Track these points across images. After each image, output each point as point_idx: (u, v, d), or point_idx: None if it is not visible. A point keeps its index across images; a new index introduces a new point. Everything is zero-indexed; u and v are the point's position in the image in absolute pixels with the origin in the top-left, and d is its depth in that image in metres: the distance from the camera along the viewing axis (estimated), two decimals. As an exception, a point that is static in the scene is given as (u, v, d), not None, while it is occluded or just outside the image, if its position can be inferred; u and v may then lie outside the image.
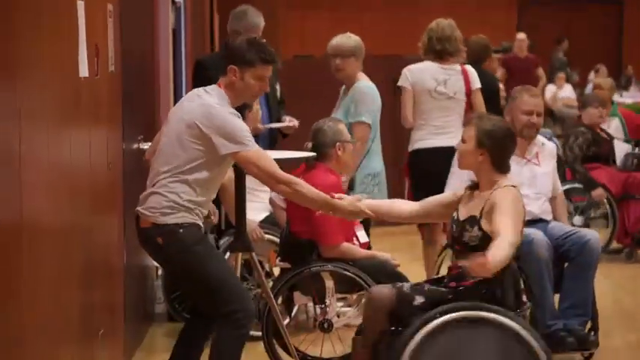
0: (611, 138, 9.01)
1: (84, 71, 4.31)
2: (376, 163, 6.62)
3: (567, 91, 16.79)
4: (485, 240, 4.37)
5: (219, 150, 4.48)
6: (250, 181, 5.27)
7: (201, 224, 4.61)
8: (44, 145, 3.72)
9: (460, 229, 4.50)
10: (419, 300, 4.45)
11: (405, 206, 4.88)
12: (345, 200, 4.66)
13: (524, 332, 4.31)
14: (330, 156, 5.57)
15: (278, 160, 4.63)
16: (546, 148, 5.98)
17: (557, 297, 5.70)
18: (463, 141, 4.62)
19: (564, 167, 8.62)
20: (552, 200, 5.95)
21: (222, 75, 4.66)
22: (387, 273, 5.35)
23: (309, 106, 7.88)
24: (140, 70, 6.35)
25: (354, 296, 5.91)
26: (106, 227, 5.12)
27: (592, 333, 5.72)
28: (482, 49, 8.34)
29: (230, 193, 5.32)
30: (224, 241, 6.30)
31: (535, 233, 5.53)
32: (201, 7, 10.59)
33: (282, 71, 7.10)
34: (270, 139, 6.84)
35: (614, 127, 9.57)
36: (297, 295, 5.56)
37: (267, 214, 6.51)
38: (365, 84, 6.62)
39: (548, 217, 5.86)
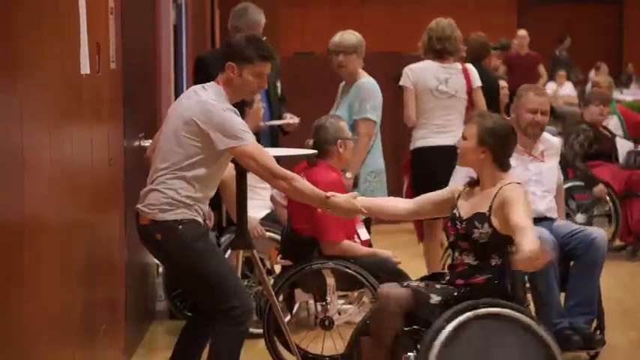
0: (613, 135, 9.00)
1: (85, 68, 4.31)
2: (378, 160, 6.62)
3: (568, 89, 16.77)
4: (496, 236, 4.38)
5: (217, 145, 4.48)
6: (251, 179, 5.26)
7: (200, 220, 4.59)
8: (45, 142, 3.72)
9: (467, 226, 4.49)
10: (435, 299, 4.45)
11: (400, 204, 4.89)
12: (341, 197, 4.66)
13: (539, 329, 4.36)
14: (332, 153, 5.57)
15: (279, 158, 4.62)
16: (552, 144, 5.98)
17: (562, 295, 5.69)
18: (464, 138, 4.61)
19: (565, 165, 8.60)
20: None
21: (220, 72, 4.67)
22: (388, 270, 5.35)
23: (310, 103, 7.86)
24: (141, 67, 6.35)
25: (355, 294, 5.92)
26: (108, 225, 5.12)
27: (598, 332, 5.71)
28: (482, 47, 8.33)
29: (231, 191, 5.32)
30: (225, 239, 6.29)
31: (541, 231, 5.51)
32: (202, 4, 10.59)
33: (282, 68, 7.09)
34: (271, 137, 6.83)
35: (612, 124, 9.55)
36: (298, 292, 5.56)
37: (268, 211, 6.51)
38: (368, 81, 6.62)
39: (554, 215, 5.85)
